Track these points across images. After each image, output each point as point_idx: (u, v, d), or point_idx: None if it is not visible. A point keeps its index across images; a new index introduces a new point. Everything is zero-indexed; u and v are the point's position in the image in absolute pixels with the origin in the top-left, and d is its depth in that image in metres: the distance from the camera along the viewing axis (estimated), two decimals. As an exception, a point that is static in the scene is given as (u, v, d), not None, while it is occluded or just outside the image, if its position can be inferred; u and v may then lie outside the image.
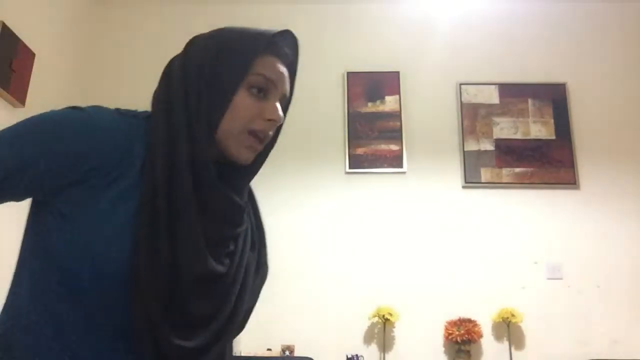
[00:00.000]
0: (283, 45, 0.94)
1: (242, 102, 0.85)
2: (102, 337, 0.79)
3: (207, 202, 0.82)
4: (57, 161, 0.79)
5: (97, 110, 0.87)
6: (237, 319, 0.87)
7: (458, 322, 2.89)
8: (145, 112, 0.92)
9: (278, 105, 0.88)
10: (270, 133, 0.90)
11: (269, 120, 0.87)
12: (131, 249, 0.77)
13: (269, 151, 0.94)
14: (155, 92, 0.93)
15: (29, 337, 0.79)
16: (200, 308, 0.81)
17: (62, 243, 0.79)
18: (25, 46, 2.74)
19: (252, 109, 0.86)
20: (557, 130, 3.29)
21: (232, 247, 0.88)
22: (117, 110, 0.89)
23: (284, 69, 0.92)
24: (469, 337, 2.83)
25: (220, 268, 0.84)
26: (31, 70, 2.80)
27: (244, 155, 0.87)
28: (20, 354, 0.79)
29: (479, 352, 2.92)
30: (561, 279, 3.04)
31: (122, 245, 0.77)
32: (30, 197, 0.84)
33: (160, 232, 0.78)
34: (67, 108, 0.87)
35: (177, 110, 0.85)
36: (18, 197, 0.83)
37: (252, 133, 0.86)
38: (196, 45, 0.92)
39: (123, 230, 0.77)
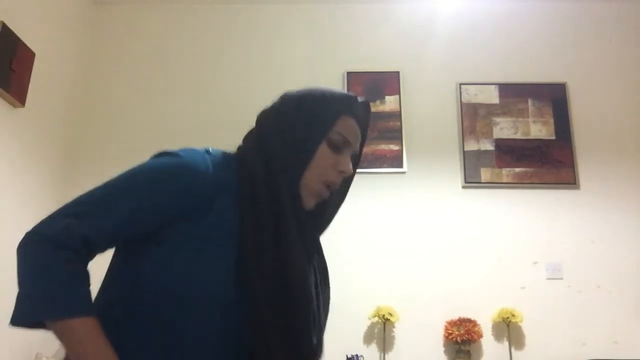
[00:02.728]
0: (360, 109, 1.06)
1: (322, 154, 1.00)
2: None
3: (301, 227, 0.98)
4: (170, 202, 0.91)
5: (190, 153, 0.96)
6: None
7: (458, 322, 2.89)
8: (230, 154, 1.03)
9: (349, 160, 1.03)
10: (338, 184, 1.04)
11: (341, 172, 1.01)
12: (229, 278, 0.89)
13: (341, 204, 1.12)
14: (247, 137, 1.06)
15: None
16: (311, 342, 0.95)
17: (161, 270, 0.90)
18: (25, 46, 2.74)
19: (329, 161, 1.00)
20: (557, 130, 3.29)
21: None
22: (207, 150, 0.99)
23: (358, 131, 1.06)
24: (469, 337, 2.83)
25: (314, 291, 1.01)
26: (31, 70, 2.80)
27: (309, 202, 1.01)
28: None
29: (479, 352, 2.92)
30: (561, 279, 3.04)
31: (218, 273, 0.89)
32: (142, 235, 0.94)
33: (267, 251, 0.91)
34: (163, 156, 0.96)
35: (274, 154, 0.97)
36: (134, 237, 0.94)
37: (324, 182, 1.01)
38: (288, 102, 1.03)
39: (219, 259, 0.90)
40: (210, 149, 0.99)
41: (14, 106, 2.71)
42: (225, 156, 1.00)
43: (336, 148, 1.00)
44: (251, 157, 0.98)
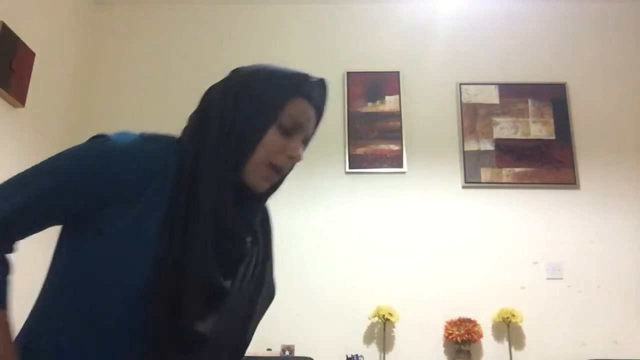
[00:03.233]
0: (314, 89, 0.99)
1: (271, 139, 0.93)
2: (115, 342, 0.87)
3: (222, 220, 0.91)
4: (91, 187, 0.88)
5: (121, 136, 0.93)
6: (243, 344, 0.99)
7: (458, 322, 2.88)
8: (173, 136, 0.98)
9: (300, 144, 0.97)
10: (287, 168, 0.98)
11: (290, 157, 0.95)
12: (148, 264, 0.85)
13: (281, 183, 1.02)
14: (191, 117, 1.00)
15: (59, 344, 0.87)
16: (204, 326, 0.89)
17: (95, 256, 0.88)
18: (25, 46, 2.74)
19: (277, 145, 0.94)
20: (557, 130, 3.29)
21: (240, 272, 0.97)
22: (141, 134, 0.94)
23: (311, 113, 0.98)
24: (469, 337, 2.83)
25: (226, 283, 0.93)
26: (31, 70, 2.80)
27: (261, 185, 0.96)
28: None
29: (479, 352, 2.92)
30: (561, 279, 3.04)
31: (146, 256, 0.86)
32: (67, 220, 0.93)
33: (175, 237, 0.87)
34: (93, 140, 0.94)
35: (209, 142, 0.91)
36: (57, 222, 0.93)
37: (272, 166, 0.95)
38: (236, 81, 0.97)
39: (148, 242, 0.86)
40: (146, 134, 0.95)
41: (14, 106, 2.71)
42: (163, 139, 0.95)
43: (286, 132, 0.94)
44: (187, 140, 0.94)
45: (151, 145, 0.92)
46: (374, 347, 2.94)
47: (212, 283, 0.90)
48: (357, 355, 2.83)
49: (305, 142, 0.99)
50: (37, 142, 2.94)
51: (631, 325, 2.95)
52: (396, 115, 3.33)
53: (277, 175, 0.97)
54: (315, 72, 1.01)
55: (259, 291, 1.02)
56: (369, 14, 3.56)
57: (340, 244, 3.12)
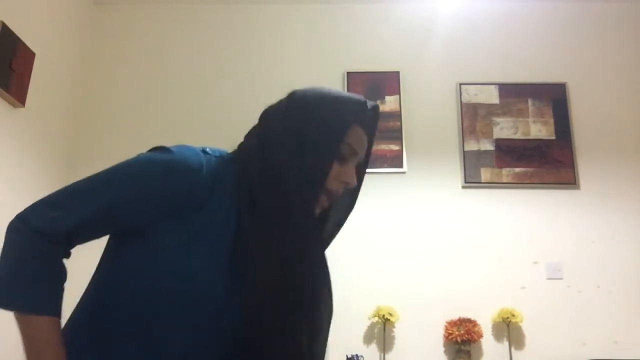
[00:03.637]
0: (369, 117, 1.02)
1: (332, 169, 0.96)
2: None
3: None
4: (159, 202, 0.89)
5: (185, 150, 0.94)
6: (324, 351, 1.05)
7: (458, 322, 2.88)
8: (228, 153, 1.00)
9: (353, 170, 1.00)
10: (340, 193, 1.01)
11: (344, 182, 0.99)
12: (220, 277, 0.89)
13: (349, 213, 1.11)
14: (251, 136, 1.01)
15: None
16: (302, 338, 0.95)
17: (153, 270, 0.89)
18: (25, 46, 2.74)
19: (334, 172, 0.96)
20: (557, 130, 3.29)
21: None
22: (203, 149, 0.96)
23: (365, 139, 1.02)
24: (469, 337, 2.83)
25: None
26: (31, 70, 2.80)
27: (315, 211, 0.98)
28: None
29: (479, 352, 2.92)
30: (561, 279, 3.04)
31: (208, 272, 0.88)
32: (121, 232, 0.94)
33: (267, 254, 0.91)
34: (157, 152, 0.95)
35: (287, 174, 0.92)
36: (114, 233, 0.95)
37: (328, 192, 0.97)
38: (299, 107, 0.97)
39: (210, 259, 0.89)
40: (208, 148, 0.97)
41: (14, 106, 2.71)
42: (223, 156, 0.97)
43: (343, 159, 0.97)
44: (254, 159, 0.94)
45: (213, 161, 0.93)
46: (374, 347, 2.94)
47: (317, 298, 0.98)
48: (357, 355, 2.83)
49: (360, 167, 1.03)
50: (37, 142, 2.94)
51: (631, 325, 2.95)
52: (396, 115, 3.33)
53: (329, 202, 1.00)
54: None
55: (331, 304, 1.09)
56: (369, 14, 3.56)
57: (340, 243, 3.11)
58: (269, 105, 1.03)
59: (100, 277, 0.96)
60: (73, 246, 0.90)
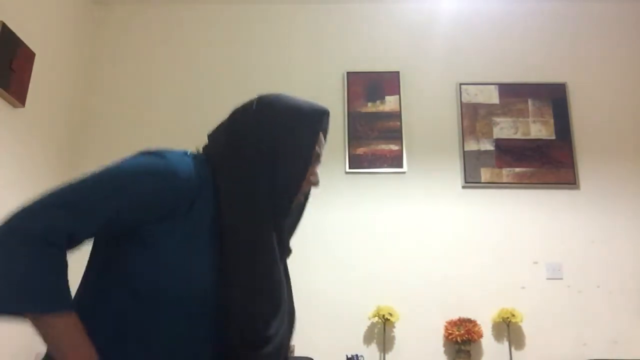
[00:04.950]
0: (326, 122, 1.14)
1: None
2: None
3: (282, 242, 1.07)
4: (157, 205, 0.93)
5: (172, 154, 0.99)
6: (290, 342, 1.09)
7: (458, 322, 2.89)
8: (200, 154, 1.06)
9: (317, 170, 1.10)
10: (309, 192, 1.14)
11: (313, 183, 1.10)
12: (211, 273, 0.94)
13: (304, 210, 1.19)
14: (216, 137, 1.08)
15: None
16: (271, 330, 0.99)
17: (152, 270, 0.93)
18: (25, 46, 2.74)
19: (307, 177, 1.07)
20: (557, 130, 3.29)
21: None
22: (184, 152, 1.02)
23: (324, 142, 1.13)
24: (469, 337, 2.83)
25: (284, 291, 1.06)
26: (31, 70, 2.80)
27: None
28: None
29: (479, 352, 2.92)
30: (561, 279, 3.04)
31: (202, 269, 0.93)
32: (116, 233, 0.95)
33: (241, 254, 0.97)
34: (147, 156, 0.98)
35: (258, 179, 1.00)
36: (110, 234, 0.96)
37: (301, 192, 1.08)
38: (268, 114, 1.05)
39: (204, 254, 0.94)
40: (189, 151, 1.03)
41: (14, 106, 2.71)
42: (199, 157, 1.03)
43: (312, 163, 1.08)
44: (227, 166, 1.01)
45: (195, 163, 0.99)
46: (374, 347, 2.94)
47: (281, 292, 1.02)
48: (357, 355, 2.83)
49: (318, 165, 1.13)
50: (37, 142, 2.94)
51: (631, 325, 2.95)
52: (396, 115, 3.33)
53: (303, 197, 1.12)
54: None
55: (291, 294, 1.12)
56: (369, 14, 3.56)
57: (340, 243, 3.12)
58: (237, 106, 1.10)
59: (95, 280, 0.97)
60: (72, 248, 0.90)
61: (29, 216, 0.86)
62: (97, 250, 0.99)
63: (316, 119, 1.07)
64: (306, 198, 1.16)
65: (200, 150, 1.08)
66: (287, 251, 1.14)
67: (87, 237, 0.92)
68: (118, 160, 0.97)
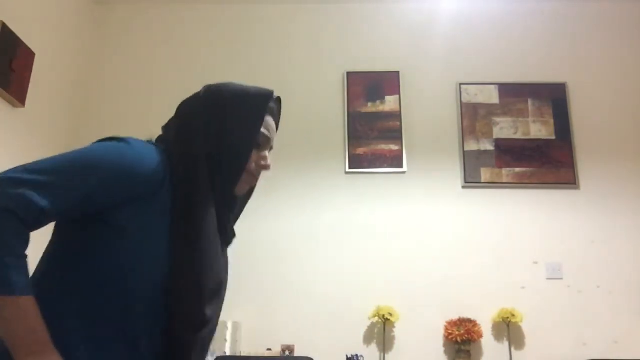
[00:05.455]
0: (276, 106, 1.16)
1: (252, 157, 1.09)
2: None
3: (224, 229, 1.09)
4: (128, 187, 0.95)
5: (136, 141, 1.03)
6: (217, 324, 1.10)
7: (458, 322, 2.89)
8: (157, 144, 1.09)
9: (268, 155, 1.13)
10: (259, 175, 1.15)
11: (264, 167, 1.12)
12: (166, 257, 0.95)
13: (250, 196, 1.20)
14: (168, 128, 1.14)
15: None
16: (209, 311, 1.02)
17: (120, 252, 0.94)
18: (25, 46, 2.74)
19: (255, 159, 1.10)
20: (557, 130, 3.29)
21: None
22: (147, 141, 1.07)
23: (274, 126, 1.15)
24: (469, 337, 2.83)
25: (225, 275, 1.09)
26: (31, 70, 2.80)
27: (243, 190, 1.12)
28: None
29: (479, 352, 2.92)
30: (561, 279, 3.04)
31: (160, 254, 0.95)
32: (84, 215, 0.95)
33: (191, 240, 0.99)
34: (114, 142, 1.02)
35: (200, 166, 1.02)
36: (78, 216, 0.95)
37: (250, 175, 1.10)
38: (215, 101, 1.09)
39: (161, 241, 0.96)
40: (149, 140, 1.08)
41: (14, 106, 2.71)
42: (157, 146, 1.07)
43: (259, 147, 1.10)
44: (179, 153, 1.03)
45: (158, 150, 1.03)
46: (374, 347, 2.94)
47: (220, 277, 1.04)
48: (357, 355, 2.83)
49: (270, 150, 1.15)
50: (37, 142, 2.94)
51: (631, 325, 2.95)
52: (396, 115, 3.33)
53: (255, 181, 1.14)
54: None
55: (227, 277, 1.13)
56: (369, 14, 3.56)
57: (340, 243, 3.12)
58: (185, 99, 1.15)
59: (57, 260, 0.96)
60: (39, 227, 0.88)
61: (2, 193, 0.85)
62: (59, 232, 0.99)
63: (261, 100, 1.09)
64: (252, 188, 1.17)
65: (154, 140, 1.12)
66: (231, 235, 1.15)
67: (58, 216, 0.90)
68: (84, 145, 1.00)
